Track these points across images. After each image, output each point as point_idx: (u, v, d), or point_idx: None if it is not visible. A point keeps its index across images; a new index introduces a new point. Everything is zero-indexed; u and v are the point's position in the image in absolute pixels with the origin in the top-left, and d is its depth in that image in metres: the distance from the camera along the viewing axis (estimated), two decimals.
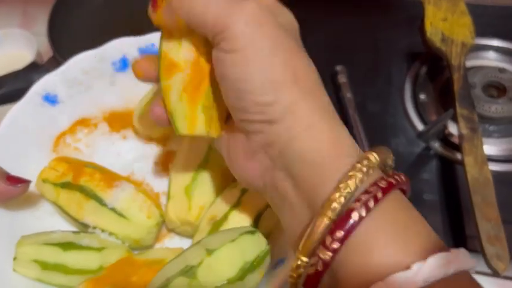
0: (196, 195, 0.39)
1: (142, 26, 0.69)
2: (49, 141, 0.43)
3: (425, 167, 0.54)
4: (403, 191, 0.28)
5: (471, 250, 0.47)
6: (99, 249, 0.37)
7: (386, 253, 0.24)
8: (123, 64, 0.44)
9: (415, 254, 0.23)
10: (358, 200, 0.25)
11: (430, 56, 0.61)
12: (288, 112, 0.27)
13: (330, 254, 0.24)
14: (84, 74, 0.43)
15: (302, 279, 0.25)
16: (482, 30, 0.59)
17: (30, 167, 0.40)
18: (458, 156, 0.53)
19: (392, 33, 0.67)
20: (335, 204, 0.24)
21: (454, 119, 0.52)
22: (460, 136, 0.49)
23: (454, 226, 0.50)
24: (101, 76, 0.44)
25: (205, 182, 0.39)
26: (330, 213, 0.24)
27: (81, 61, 0.43)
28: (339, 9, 0.71)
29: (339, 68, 0.61)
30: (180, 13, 0.28)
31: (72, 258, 0.35)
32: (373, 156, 0.26)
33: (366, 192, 0.25)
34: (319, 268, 0.24)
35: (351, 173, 0.25)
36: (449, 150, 0.54)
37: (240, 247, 0.33)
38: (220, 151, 0.32)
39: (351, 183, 0.25)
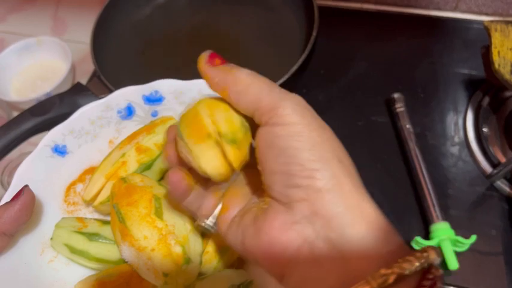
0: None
1: (186, 41, 0.67)
2: (60, 191, 0.44)
3: (490, 208, 0.51)
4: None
5: None
6: None
7: None
8: (129, 112, 0.45)
9: None
10: None
11: (492, 84, 0.58)
12: (336, 183, 0.26)
13: None
14: (91, 124, 0.45)
15: None
16: None
17: (43, 218, 0.41)
18: None
19: (450, 59, 0.64)
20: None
21: None
22: None
23: None
24: (107, 124, 0.45)
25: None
26: None
27: (88, 111, 0.44)
28: (394, 34, 0.68)
29: (396, 95, 0.57)
30: (231, 92, 0.29)
31: (95, 248, 0.39)
32: (432, 253, 0.25)
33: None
34: None
35: (397, 265, 0.24)
36: None
37: (227, 274, 0.38)
38: (240, 233, 0.30)
39: (393, 272, 0.24)
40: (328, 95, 0.62)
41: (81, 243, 0.39)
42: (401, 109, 0.57)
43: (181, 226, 0.37)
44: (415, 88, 0.61)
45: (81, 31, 0.80)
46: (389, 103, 0.58)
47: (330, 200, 0.26)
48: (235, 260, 0.40)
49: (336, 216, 0.26)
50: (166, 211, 0.37)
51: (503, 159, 0.53)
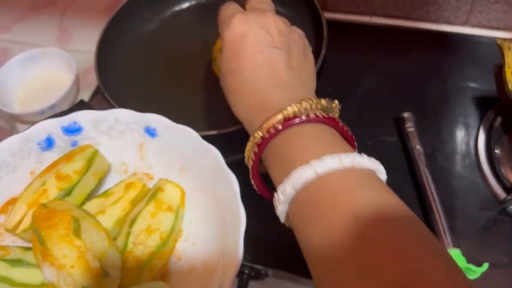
0: None
1: (193, 56, 0.66)
2: None
3: (502, 233, 0.50)
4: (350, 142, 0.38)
5: None
6: None
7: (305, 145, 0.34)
8: (49, 143, 0.48)
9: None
10: (298, 116, 0.35)
11: (504, 104, 0.56)
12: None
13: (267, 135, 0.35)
14: (11, 156, 0.47)
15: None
16: None
17: None
18: None
19: (461, 76, 0.62)
20: (280, 115, 0.35)
21: None
22: None
23: None
24: (27, 156, 0.48)
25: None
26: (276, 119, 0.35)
27: (8, 144, 0.46)
28: (403, 49, 0.67)
29: (406, 115, 0.56)
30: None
31: (17, 274, 0.41)
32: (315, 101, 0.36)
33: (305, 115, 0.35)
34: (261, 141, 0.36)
35: (296, 105, 0.35)
36: None
37: (148, 287, 0.41)
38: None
39: (293, 108, 0.35)
40: None
41: (3, 270, 0.41)
42: (412, 129, 0.55)
43: (99, 243, 0.41)
44: (425, 107, 0.59)
45: (86, 41, 0.79)
46: (399, 122, 0.57)
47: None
48: (156, 273, 0.43)
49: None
50: (85, 231, 0.41)
51: None
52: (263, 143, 0.35)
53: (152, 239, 0.43)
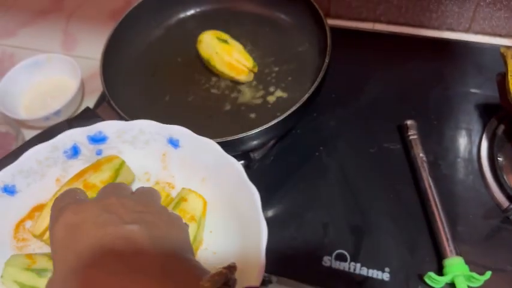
0: None
1: (197, 64, 0.67)
2: (10, 229, 0.47)
3: (505, 242, 0.50)
4: None
5: None
6: None
7: None
8: (74, 151, 0.49)
9: None
10: None
11: (507, 112, 0.57)
12: None
13: None
14: (39, 164, 0.48)
15: None
16: None
17: None
18: None
19: (464, 83, 0.63)
20: None
21: None
22: None
23: None
24: (54, 164, 0.49)
25: None
26: None
27: (36, 152, 0.48)
28: (406, 57, 0.67)
29: (409, 122, 0.57)
30: None
31: (44, 283, 0.40)
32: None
33: None
34: None
35: None
36: None
37: None
38: None
39: None
40: (340, 120, 0.61)
41: (31, 280, 0.42)
42: (414, 136, 0.56)
43: None
44: (428, 114, 0.60)
45: (91, 47, 0.79)
46: (402, 129, 0.57)
47: None
48: None
49: None
50: None
51: None
52: None
53: None
